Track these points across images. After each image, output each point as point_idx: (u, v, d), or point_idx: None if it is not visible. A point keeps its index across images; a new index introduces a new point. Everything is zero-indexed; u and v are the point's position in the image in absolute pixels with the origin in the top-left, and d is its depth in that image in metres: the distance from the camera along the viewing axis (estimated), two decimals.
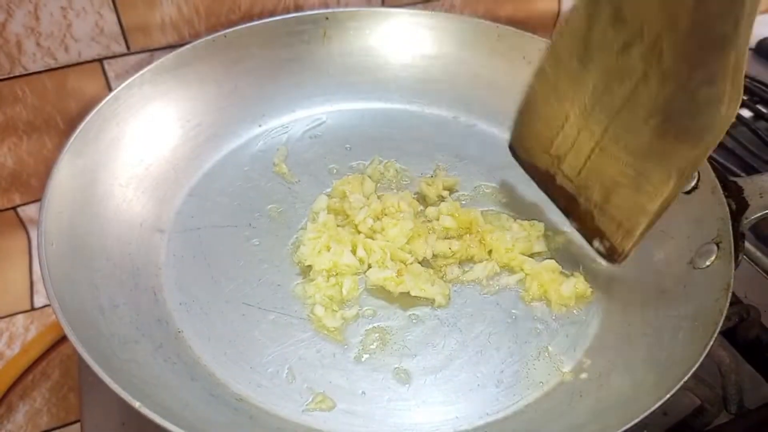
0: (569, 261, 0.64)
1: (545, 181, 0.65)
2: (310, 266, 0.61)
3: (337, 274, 0.61)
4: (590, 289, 0.62)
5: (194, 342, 0.56)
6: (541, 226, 0.66)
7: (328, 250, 0.61)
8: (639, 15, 0.50)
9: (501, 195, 0.71)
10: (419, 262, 0.63)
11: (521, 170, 0.74)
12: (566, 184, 0.62)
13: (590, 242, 0.62)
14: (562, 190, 0.63)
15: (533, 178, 0.67)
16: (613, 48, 0.52)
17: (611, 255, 0.60)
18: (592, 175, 0.59)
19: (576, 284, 0.61)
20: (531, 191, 0.71)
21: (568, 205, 0.63)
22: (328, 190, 0.69)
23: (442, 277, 0.62)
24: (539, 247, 0.65)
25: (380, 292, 0.61)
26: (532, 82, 0.62)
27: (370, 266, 0.62)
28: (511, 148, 0.68)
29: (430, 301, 0.60)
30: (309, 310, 0.59)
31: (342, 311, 0.58)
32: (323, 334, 0.57)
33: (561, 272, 0.62)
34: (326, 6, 0.82)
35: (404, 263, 0.61)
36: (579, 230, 0.63)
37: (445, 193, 0.70)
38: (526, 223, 0.66)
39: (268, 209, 0.67)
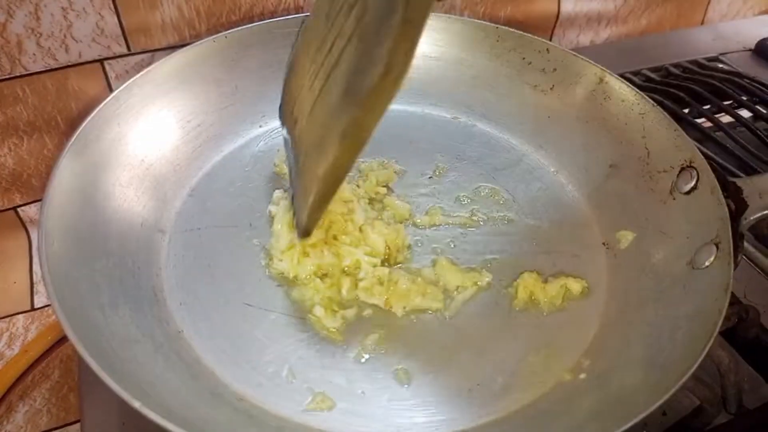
0: (562, 262, 0.64)
1: (287, 149, 0.62)
2: (295, 277, 0.61)
3: (326, 274, 0.61)
4: (585, 285, 0.62)
5: (195, 342, 0.56)
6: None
7: (308, 257, 0.61)
8: None
9: (500, 196, 0.71)
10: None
11: (521, 171, 0.74)
12: (295, 149, 0.59)
13: (293, 217, 0.58)
14: (293, 156, 0.59)
15: (286, 146, 0.63)
16: (345, 7, 0.51)
17: (298, 228, 0.56)
18: (304, 137, 0.56)
19: (564, 284, 0.61)
20: (531, 191, 0.71)
21: (292, 175, 0.60)
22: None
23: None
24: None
25: None
26: (296, 39, 0.60)
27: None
28: (280, 110, 0.65)
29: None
30: (308, 311, 0.59)
31: (342, 312, 0.58)
32: (323, 334, 0.57)
33: (545, 276, 0.63)
34: None
35: (389, 282, 0.60)
36: (293, 204, 0.59)
37: (383, 189, 0.69)
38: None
39: (269, 210, 0.67)
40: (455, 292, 0.61)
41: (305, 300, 0.59)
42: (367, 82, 0.45)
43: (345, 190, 0.65)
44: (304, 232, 0.55)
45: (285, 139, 0.63)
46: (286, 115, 0.62)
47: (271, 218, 0.65)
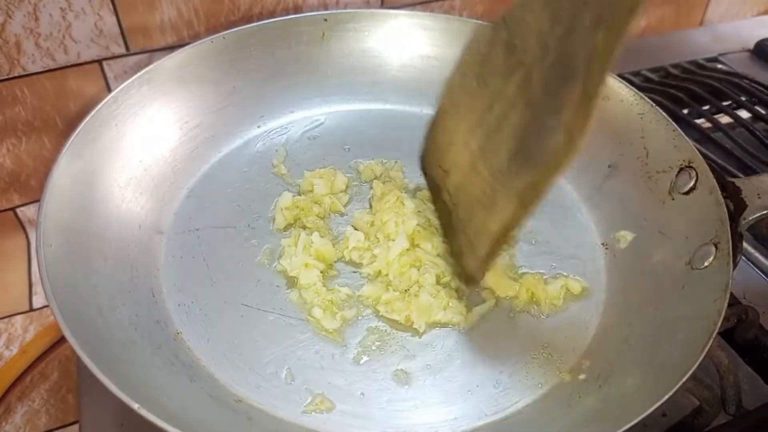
0: (561, 263, 0.64)
1: (435, 195, 0.66)
2: (295, 277, 0.61)
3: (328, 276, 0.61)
4: (584, 286, 0.62)
5: (193, 343, 0.56)
6: None
7: (309, 267, 0.61)
8: (523, 43, 0.52)
9: None
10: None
11: None
12: (447, 199, 0.62)
13: (454, 265, 0.61)
14: (444, 205, 0.63)
15: (431, 194, 0.67)
16: (502, 72, 0.54)
17: (462, 277, 0.60)
18: (464, 192, 0.59)
19: (564, 284, 0.61)
20: None
21: (445, 221, 0.63)
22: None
23: (455, 287, 0.61)
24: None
25: None
26: (441, 94, 0.63)
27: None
28: (421, 160, 0.68)
29: None
30: (307, 312, 0.58)
31: (341, 312, 0.58)
32: (322, 335, 0.57)
33: (544, 277, 0.62)
34: (325, 7, 0.82)
35: (410, 296, 0.60)
36: (448, 250, 0.63)
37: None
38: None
39: (267, 210, 0.67)
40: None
41: (303, 303, 0.59)
42: (546, 148, 0.47)
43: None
44: (470, 280, 0.60)
45: (429, 186, 0.67)
46: (430, 164, 0.66)
47: (276, 217, 0.66)
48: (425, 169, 0.67)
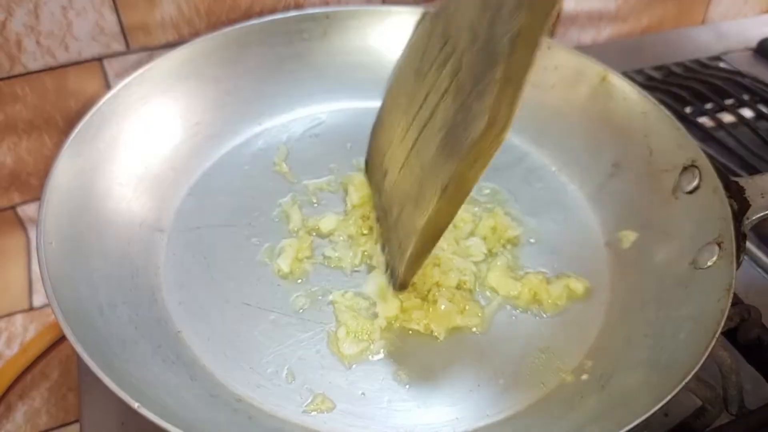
0: (564, 262, 0.64)
1: (375, 201, 0.64)
2: (289, 273, 0.61)
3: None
4: (587, 286, 0.62)
5: (193, 342, 0.56)
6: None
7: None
8: (456, 32, 0.51)
9: (502, 195, 0.71)
10: None
11: (522, 170, 0.74)
12: (384, 200, 0.60)
13: (386, 269, 0.60)
14: (381, 207, 0.61)
15: (373, 197, 0.65)
16: (436, 64, 0.53)
17: (393, 279, 0.58)
18: (397, 190, 0.57)
19: (567, 284, 0.61)
20: (530, 191, 0.71)
21: (382, 225, 0.61)
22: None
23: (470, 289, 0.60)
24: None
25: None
26: (385, 93, 0.62)
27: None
28: (366, 164, 0.67)
29: None
30: (328, 327, 0.58)
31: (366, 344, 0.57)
32: (332, 350, 0.56)
33: (547, 277, 0.62)
34: (326, 4, 0.82)
35: (428, 304, 0.59)
36: (384, 254, 0.61)
37: None
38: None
39: (268, 208, 0.67)
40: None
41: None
42: (470, 135, 0.46)
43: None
44: (401, 286, 0.57)
45: (372, 190, 0.65)
46: (373, 167, 0.64)
47: (285, 216, 0.66)
48: (369, 175, 0.65)
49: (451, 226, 0.62)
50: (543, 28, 0.43)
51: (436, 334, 0.57)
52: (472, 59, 0.47)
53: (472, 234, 0.65)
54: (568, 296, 0.61)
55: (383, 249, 0.61)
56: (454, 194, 0.49)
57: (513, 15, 0.43)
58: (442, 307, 0.58)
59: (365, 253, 0.62)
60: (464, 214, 0.66)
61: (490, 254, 0.64)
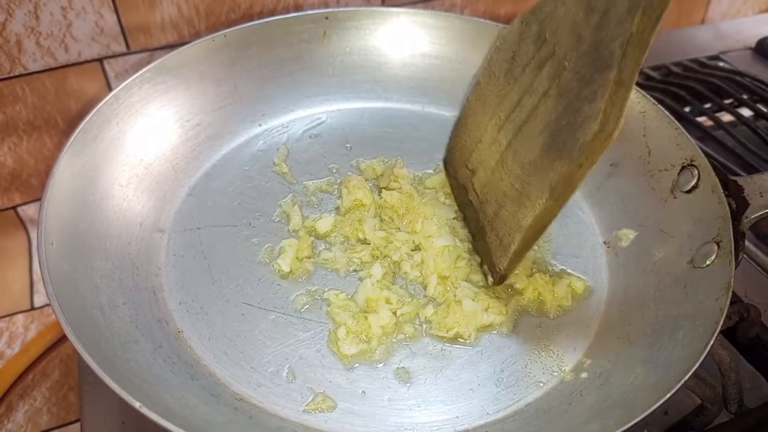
0: (563, 261, 0.64)
1: (461, 197, 0.65)
2: (289, 272, 0.61)
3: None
4: (587, 285, 0.62)
5: (194, 342, 0.56)
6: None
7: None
8: (555, 35, 0.52)
9: None
10: None
11: None
12: (474, 199, 0.62)
13: (481, 265, 0.61)
14: (471, 206, 0.62)
15: (455, 195, 0.66)
16: (532, 66, 0.54)
17: (492, 274, 0.59)
18: (491, 189, 0.58)
19: (570, 284, 0.61)
20: None
21: (473, 221, 0.62)
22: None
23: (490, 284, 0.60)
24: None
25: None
26: (468, 95, 0.63)
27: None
28: (444, 162, 0.68)
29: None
30: (328, 327, 0.58)
31: (365, 344, 0.57)
32: (332, 350, 0.56)
33: (551, 276, 0.62)
34: (326, 5, 0.82)
35: (452, 305, 0.59)
36: (475, 250, 0.62)
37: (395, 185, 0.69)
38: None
39: (268, 209, 0.67)
40: None
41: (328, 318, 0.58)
42: (581, 137, 0.47)
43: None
44: (501, 279, 0.58)
45: (454, 189, 0.66)
46: (456, 165, 0.65)
47: (285, 216, 0.66)
48: (450, 172, 0.66)
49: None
50: (654, 31, 0.44)
51: (466, 336, 0.57)
52: (578, 62, 0.49)
53: None
54: (573, 296, 0.61)
55: (473, 245, 0.62)
56: (562, 194, 0.50)
57: (624, 19, 0.44)
58: (468, 307, 0.58)
59: (360, 261, 0.62)
60: None
61: None
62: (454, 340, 0.57)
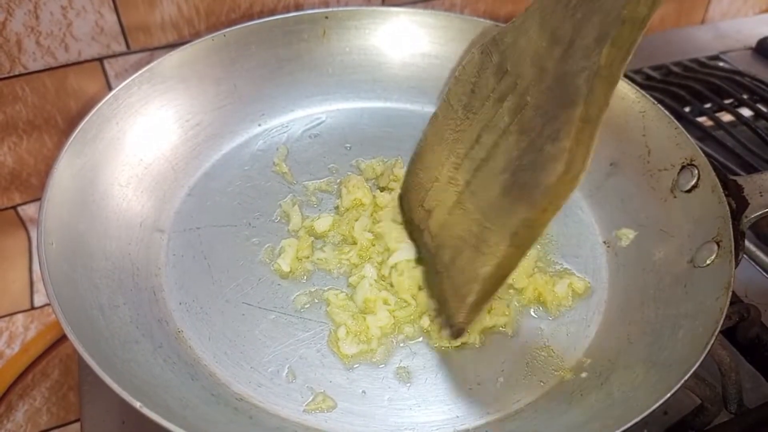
0: (563, 261, 0.64)
1: (417, 239, 0.60)
2: (289, 272, 0.61)
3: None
4: (588, 284, 0.62)
5: (194, 342, 0.56)
6: None
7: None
8: (517, 67, 0.48)
9: None
10: None
11: None
12: (429, 242, 0.57)
13: (436, 316, 0.56)
14: (428, 250, 0.58)
15: (409, 234, 0.61)
16: (492, 99, 0.50)
17: (449, 326, 0.54)
18: (448, 232, 0.54)
19: (570, 283, 0.61)
20: None
21: (429, 266, 0.58)
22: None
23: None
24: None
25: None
26: (425, 128, 0.59)
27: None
28: (400, 200, 0.63)
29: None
30: (328, 327, 0.58)
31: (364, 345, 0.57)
32: (333, 350, 0.56)
33: (552, 275, 0.62)
34: (326, 5, 0.82)
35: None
36: (432, 297, 0.57)
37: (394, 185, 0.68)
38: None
39: (268, 208, 0.67)
40: None
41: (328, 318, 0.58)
42: (544, 180, 0.43)
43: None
44: (458, 333, 0.53)
45: (408, 230, 0.61)
46: (412, 204, 0.60)
47: (285, 216, 0.66)
48: (405, 211, 0.62)
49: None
50: (624, 64, 0.40)
51: (471, 342, 0.57)
52: (540, 97, 0.45)
53: None
54: (573, 296, 0.61)
55: (428, 293, 0.58)
56: (523, 241, 0.46)
57: (591, 50, 0.41)
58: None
59: (349, 262, 0.62)
60: None
61: None
62: (460, 347, 0.57)
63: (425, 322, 0.58)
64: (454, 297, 0.52)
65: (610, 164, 0.70)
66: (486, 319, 0.58)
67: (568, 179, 0.42)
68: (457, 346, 0.57)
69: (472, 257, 0.49)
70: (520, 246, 0.46)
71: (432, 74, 0.79)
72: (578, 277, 0.63)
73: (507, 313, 0.59)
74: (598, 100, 0.41)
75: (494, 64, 0.51)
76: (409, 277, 0.59)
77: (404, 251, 0.60)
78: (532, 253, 0.63)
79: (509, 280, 0.59)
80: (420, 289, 0.59)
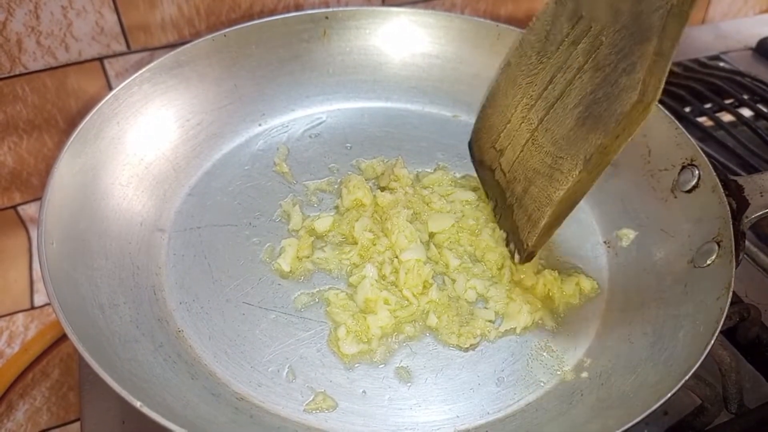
0: (563, 261, 0.64)
1: (487, 178, 0.65)
2: (289, 272, 0.61)
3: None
4: (595, 284, 0.62)
5: (194, 341, 0.56)
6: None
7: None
8: (591, 11, 0.52)
9: None
10: None
11: None
12: (501, 178, 0.62)
13: (507, 244, 0.62)
14: (498, 186, 0.63)
15: (480, 177, 0.67)
16: (566, 43, 0.54)
17: (519, 251, 0.60)
18: (521, 167, 0.59)
19: (578, 282, 0.61)
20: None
21: (499, 202, 0.63)
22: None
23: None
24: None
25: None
26: (497, 75, 0.63)
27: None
28: (470, 145, 0.68)
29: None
30: (329, 326, 0.58)
31: (364, 346, 0.57)
32: (333, 349, 0.56)
33: (560, 273, 0.62)
34: (326, 5, 0.82)
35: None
36: (502, 229, 0.63)
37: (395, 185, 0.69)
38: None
39: (269, 208, 0.67)
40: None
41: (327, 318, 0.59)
42: (618, 108, 0.48)
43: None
44: (529, 257, 0.59)
45: (479, 171, 0.67)
46: (483, 148, 0.65)
47: (286, 216, 0.66)
48: (476, 154, 0.67)
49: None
50: (695, 2, 0.44)
51: (485, 339, 0.58)
52: (615, 36, 0.49)
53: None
54: (580, 295, 0.61)
55: (499, 225, 0.63)
56: (597, 165, 0.50)
57: None
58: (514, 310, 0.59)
59: (350, 263, 0.62)
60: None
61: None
62: (468, 348, 0.57)
63: (432, 320, 0.58)
64: (527, 223, 0.57)
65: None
66: (526, 318, 0.58)
67: (642, 107, 0.47)
68: (466, 348, 0.57)
69: (545, 185, 0.54)
70: (592, 171, 0.51)
71: (432, 74, 0.79)
72: (587, 276, 0.63)
73: (539, 306, 0.60)
74: (671, 34, 0.46)
75: (569, 10, 0.55)
76: (417, 275, 0.59)
77: (415, 250, 0.61)
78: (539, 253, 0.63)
79: (518, 278, 0.61)
80: (424, 288, 0.60)
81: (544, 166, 0.55)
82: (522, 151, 0.58)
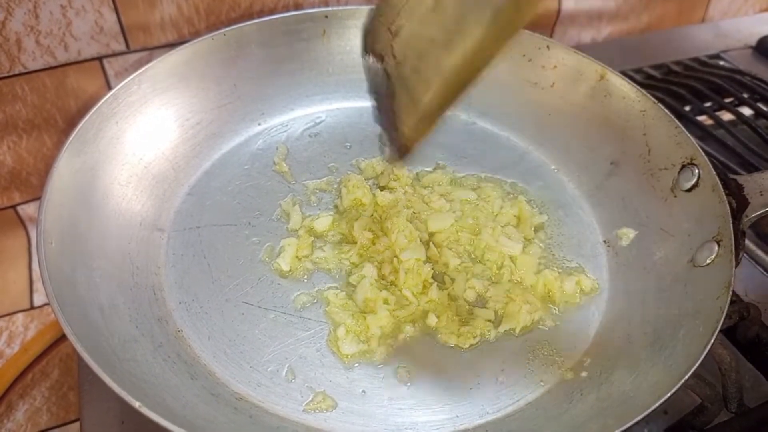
0: (563, 260, 0.64)
1: (373, 68, 0.55)
2: (289, 272, 0.61)
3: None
4: (596, 283, 0.62)
5: (194, 341, 0.56)
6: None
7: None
8: None
9: (518, 186, 0.71)
10: None
11: (522, 168, 0.74)
12: (390, 64, 0.52)
13: (380, 147, 0.54)
14: (384, 75, 0.53)
15: (367, 69, 0.56)
16: None
17: (392, 143, 0.51)
18: (415, 41, 0.50)
19: (578, 281, 0.61)
20: (531, 189, 0.71)
21: (382, 92, 0.54)
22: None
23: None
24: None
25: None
26: None
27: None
28: (364, 37, 0.58)
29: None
30: (328, 326, 0.58)
31: (363, 345, 0.57)
32: (332, 349, 0.56)
33: (561, 272, 0.62)
34: (326, 4, 0.82)
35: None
36: (380, 125, 0.54)
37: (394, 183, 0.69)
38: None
39: (268, 208, 0.67)
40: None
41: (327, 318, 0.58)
42: None
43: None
44: (403, 149, 0.50)
45: (368, 68, 0.56)
46: (376, 33, 0.56)
47: (285, 216, 0.66)
48: (368, 43, 0.57)
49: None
50: None
51: (485, 338, 0.58)
52: None
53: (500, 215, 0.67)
54: (581, 294, 0.61)
55: (377, 121, 0.55)
56: (506, 25, 0.43)
57: None
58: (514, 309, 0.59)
59: (350, 263, 0.62)
60: (492, 192, 0.69)
61: (527, 241, 0.65)
62: (468, 348, 0.57)
63: (432, 320, 0.58)
64: (407, 105, 0.48)
65: (610, 163, 0.70)
66: (526, 318, 0.58)
67: None
68: (466, 348, 0.57)
69: (439, 54, 0.46)
70: (500, 30, 0.43)
71: None
72: (587, 275, 0.63)
73: (539, 305, 0.59)
74: None
75: None
76: (416, 275, 0.59)
77: (414, 250, 0.61)
78: (536, 250, 0.64)
79: (517, 278, 0.61)
80: (424, 288, 0.59)
81: (443, 32, 0.46)
82: (422, 23, 0.50)
